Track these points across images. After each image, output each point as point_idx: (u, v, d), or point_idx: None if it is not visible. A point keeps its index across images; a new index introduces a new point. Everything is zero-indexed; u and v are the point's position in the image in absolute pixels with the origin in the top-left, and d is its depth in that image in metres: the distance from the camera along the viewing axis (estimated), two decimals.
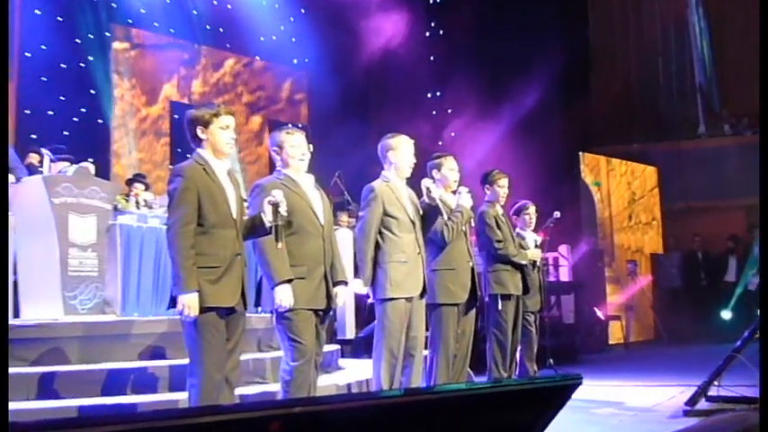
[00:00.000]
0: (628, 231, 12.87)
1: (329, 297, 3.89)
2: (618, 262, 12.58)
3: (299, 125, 11.37)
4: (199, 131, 3.49)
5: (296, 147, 3.94)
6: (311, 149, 4.02)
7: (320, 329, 3.91)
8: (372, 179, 4.58)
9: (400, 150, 4.52)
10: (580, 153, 12.32)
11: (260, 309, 4.28)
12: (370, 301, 4.51)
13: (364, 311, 8.30)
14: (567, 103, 12.57)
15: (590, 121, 13.26)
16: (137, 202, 7.09)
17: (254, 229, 3.56)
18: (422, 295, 4.50)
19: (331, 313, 4.02)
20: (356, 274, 5.64)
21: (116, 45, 10.56)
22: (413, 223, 4.48)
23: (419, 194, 4.67)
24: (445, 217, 4.69)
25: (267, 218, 3.48)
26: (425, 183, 4.59)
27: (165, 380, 4.70)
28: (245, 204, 3.82)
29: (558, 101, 12.49)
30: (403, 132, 4.64)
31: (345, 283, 4.02)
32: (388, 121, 11.91)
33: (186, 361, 3.46)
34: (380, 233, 4.41)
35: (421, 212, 4.60)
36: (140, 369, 4.70)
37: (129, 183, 8.29)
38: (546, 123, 12.05)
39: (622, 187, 12.90)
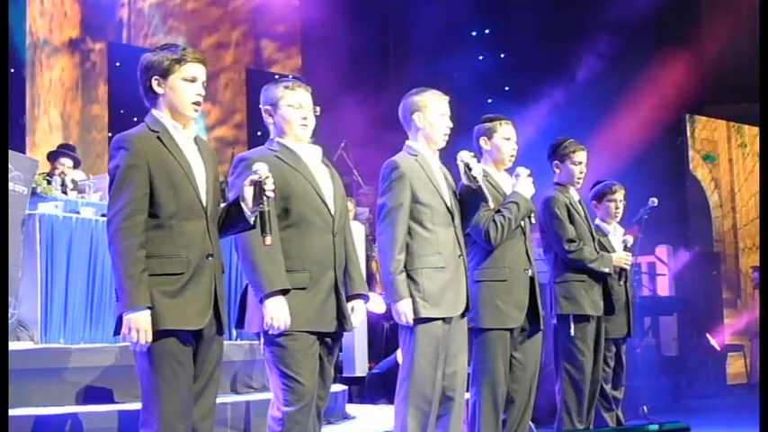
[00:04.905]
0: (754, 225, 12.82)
1: (341, 316, 3.92)
2: (739, 266, 12.54)
3: (290, 76, 11.39)
4: (154, 84, 3.52)
5: (296, 107, 3.97)
6: (318, 112, 4.04)
7: (326, 362, 3.94)
8: (391, 152, 4.60)
9: (429, 111, 4.53)
10: (687, 116, 12.25)
11: (236, 332, 4.32)
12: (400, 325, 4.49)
13: (380, 339, 8.33)
14: (669, 44, 12.48)
15: (702, 70, 13.16)
16: (63, 185, 7.14)
17: (233, 220, 3.59)
18: (463, 314, 4.54)
19: (342, 339, 4.04)
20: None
21: None
22: (451, 214, 4.49)
23: (455, 175, 4.66)
24: (492, 206, 4.69)
25: (246, 204, 3.50)
26: (463, 156, 4.54)
27: None
28: (224, 186, 3.83)
29: (656, 41, 12.41)
30: (435, 87, 4.65)
31: (365, 297, 4.07)
32: (414, 70, 11.90)
33: (139, 405, 3.50)
34: (407, 227, 4.42)
35: (458, 198, 4.60)
36: (72, 417, 4.72)
37: (53, 157, 8.36)
38: (638, 74, 11.98)
39: (749, 164, 12.83)
